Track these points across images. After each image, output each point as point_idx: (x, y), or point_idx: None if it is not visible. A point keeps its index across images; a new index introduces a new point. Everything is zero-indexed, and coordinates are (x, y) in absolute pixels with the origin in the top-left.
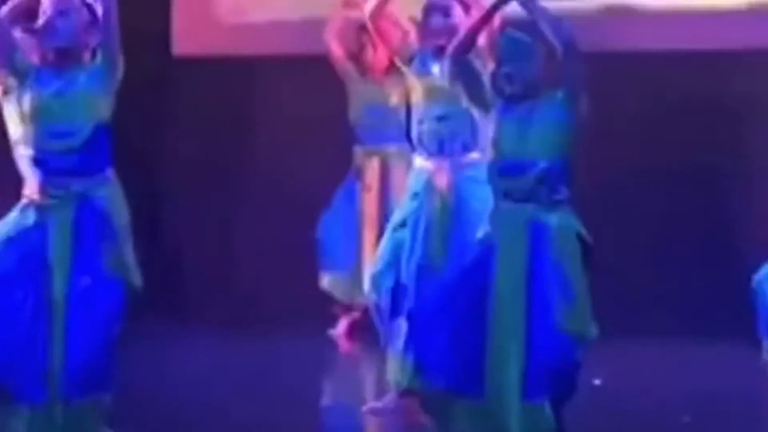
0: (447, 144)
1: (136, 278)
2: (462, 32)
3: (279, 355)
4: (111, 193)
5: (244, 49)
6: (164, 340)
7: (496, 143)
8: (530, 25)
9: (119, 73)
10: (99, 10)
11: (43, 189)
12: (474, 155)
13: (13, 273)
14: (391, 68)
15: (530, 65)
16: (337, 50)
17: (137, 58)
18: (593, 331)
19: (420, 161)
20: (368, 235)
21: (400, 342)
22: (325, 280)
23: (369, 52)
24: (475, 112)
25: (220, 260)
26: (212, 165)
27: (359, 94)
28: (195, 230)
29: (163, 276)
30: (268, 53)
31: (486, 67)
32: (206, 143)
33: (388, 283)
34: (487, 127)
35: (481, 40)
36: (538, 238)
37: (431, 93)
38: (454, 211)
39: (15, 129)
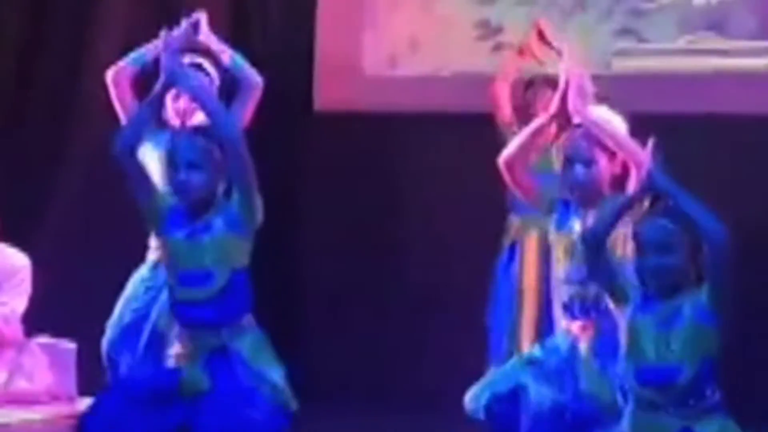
0: (592, 306)
1: (292, 402)
2: (600, 216)
3: None
4: (249, 342)
5: (392, 104)
6: None
7: (634, 345)
8: (676, 211)
9: (259, 215)
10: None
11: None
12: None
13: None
14: (560, 135)
15: (675, 257)
16: (506, 106)
17: (276, 113)
18: None
19: (565, 322)
20: (526, 324)
21: None
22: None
23: (536, 113)
24: (611, 304)
25: (366, 333)
26: (354, 227)
27: None
28: (338, 287)
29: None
30: (417, 109)
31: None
32: (349, 204)
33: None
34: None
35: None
36: None
37: (572, 251)
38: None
39: None
